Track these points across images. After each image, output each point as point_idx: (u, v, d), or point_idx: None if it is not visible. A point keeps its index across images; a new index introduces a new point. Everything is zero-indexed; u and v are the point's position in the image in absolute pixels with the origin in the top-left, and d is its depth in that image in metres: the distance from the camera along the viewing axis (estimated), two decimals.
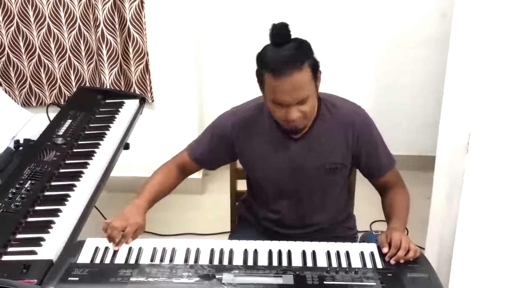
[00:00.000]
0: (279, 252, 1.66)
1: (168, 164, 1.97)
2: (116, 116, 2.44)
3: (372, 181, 1.98)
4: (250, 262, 1.62)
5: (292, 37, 1.70)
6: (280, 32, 1.68)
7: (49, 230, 1.73)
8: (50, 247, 1.66)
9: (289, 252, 1.66)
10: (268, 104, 1.75)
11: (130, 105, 2.56)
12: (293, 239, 1.75)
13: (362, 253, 1.66)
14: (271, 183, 1.92)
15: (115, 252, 1.64)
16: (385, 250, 1.64)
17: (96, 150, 2.17)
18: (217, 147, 1.93)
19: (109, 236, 1.67)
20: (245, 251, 1.66)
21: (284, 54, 1.66)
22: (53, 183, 1.96)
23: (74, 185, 1.95)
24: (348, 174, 1.97)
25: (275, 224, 1.99)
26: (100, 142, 2.23)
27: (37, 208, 1.84)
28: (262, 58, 1.71)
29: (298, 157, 1.86)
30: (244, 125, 1.88)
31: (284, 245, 1.69)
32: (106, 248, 1.66)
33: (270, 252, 1.65)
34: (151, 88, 3.25)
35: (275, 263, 1.62)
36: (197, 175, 2.09)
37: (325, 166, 1.87)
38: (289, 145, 1.86)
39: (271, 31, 1.69)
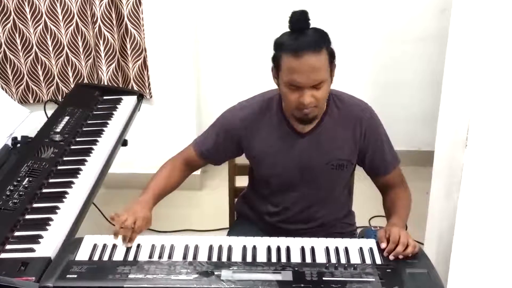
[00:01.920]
0: (278, 248, 1.65)
1: (174, 160, 1.97)
2: (114, 112, 2.43)
3: (375, 179, 1.98)
4: (249, 259, 1.61)
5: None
6: (299, 18, 1.70)
7: (47, 227, 1.73)
8: (48, 245, 1.66)
9: (288, 248, 1.65)
10: (282, 89, 1.75)
11: (128, 101, 2.55)
12: (293, 234, 1.74)
13: (361, 249, 1.66)
14: (278, 178, 1.92)
15: (113, 249, 1.64)
16: (383, 245, 1.64)
17: (94, 147, 2.17)
18: (224, 142, 1.92)
19: (122, 235, 1.67)
20: (244, 248, 1.65)
21: (304, 37, 1.68)
22: (51, 180, 1.96)
23: (72, 182, 1.94)
24: (351, 172, 1.98)
25: (277, 219, 1.98)
26: (98, 139, 2.22)
27: (35, 205, 1.83)
28: (281, 42, 1.72)
29: (305, 153, 1.86)
30: (252, 120, 1.88)
31: (283, 241, 1.68)
32: (105, 245, 1.65)
33: (269, 248, 1.65)
34: (149, 84, 3.24)
35: (274, 259, 1.61)
36: (196, 171, 2.10)
37: (332, 163, 1.87)
38: (297, 141, 1.86)
39: (290, 17, 1.71)
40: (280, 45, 1.72)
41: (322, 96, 1.72)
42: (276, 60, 1.73)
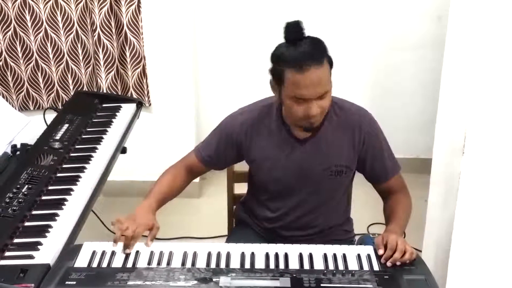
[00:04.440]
0: (276, 255, 1.66)
1: (176, 166, 1.98)
2: (113, 120, 2.44)
3: (376, 186, 1.99)
4: (247, 265, 1.62)
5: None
6: (294, 29, 1.70)
7: (46, 234, 1.73)
8: (47, 251, 1.66)
9: (286, 255, 1.66)
10: (285, 101, 1.74)
11: (127, 109, 2.56)
12: (291, 241, 1.75)
13: (359, 256, 1.66)
14: (277, 183, 1.93)
15: (112, 256, 1.65)
16: (380, 252, 1.64)
17: (93, 154, 2.17)
18: (225, 147, 1.93)
19: (121, 243, 1.68)
20: (242, 254, 1.66)
21: (304, 50, 1.68)
22: (50, 187, 1.96)
23: (71, 189, 1.95)
24: (351, 179, 1.98)
25: (276, 225, 1.99)
26: (97, 146, 2.23)
27: (34, 212, 1.83)
28: (280, 55, 1.71)
29: (304, 159, 1.87)
30: (252, 125, 1.89)
31: (281, 248, 1.69)
32: (103, 252, 1.66)
33: (267, 255, 1.66)
34: (148, 92, 3.25)
35: (272, 266, 1.62)
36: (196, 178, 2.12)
37: (331, 169, 1.88)
38: (296, 147, 1.87)
39: (285, 28, 1.71)
40: (280, 59, 1.71)
41: (327, 105, 1.74)
42: (276, 73, 1.72)
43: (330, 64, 1.73)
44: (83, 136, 2.30)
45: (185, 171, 1.97)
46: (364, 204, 2.46)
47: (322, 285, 1.51)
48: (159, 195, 1.87)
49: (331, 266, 1.62)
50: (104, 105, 2.58)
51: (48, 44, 3.14)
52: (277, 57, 1.72)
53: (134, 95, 3.21)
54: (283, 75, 1.69)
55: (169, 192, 1.91)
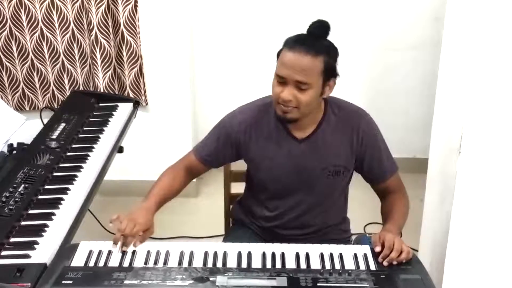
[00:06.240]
0: (273, 254, 1.66)
1: (175, 166, 1.98)
2: (110, 119, 2.44)
3: (373, 186, 1.99)
4: (244, 265, 1.62)
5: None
6: (319, 25, 1.75)
7: (43, 233, 1.73)
8: (44, 251, 1.65)
9: (282, 254, 1.66)
10: (273, 81, 1.78)
11: (124, 108, 2.56)
12: (288, 240, 1.75)
13: (355, 255, 1.66)
14: (275, 182, 1.93)
15: (109, 255, 1.64)
16: (377, 249, 1.64)
17: (90, 153, 2.17)
18: (224, 146, 1.93)
19: (116, 239, 1.68)
20: (239, 254, 1.66)
21: (311, 40, 1.73)
22: (46, 187, 1.96)
23: (68, 189, 1.95)
24: (348, 179, 1.99)
25: (273, 224, 1.99)
26: (94, 145, 2.23)
27: (30, 211, 1.83)
28: (289, 38, 1.76)
29: (302, 159, 1.87)
30: (251, 124, 1.89)
31: (277, 247, 1.69)
32: (100, 252, 1.66)
33: (263, 254, 1.66)
34: (145, 92, 3.25)
35: (268, 265, 1.62)
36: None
37: (328, 168, 1.88)
38: (293, 146, 1.87)
39: (312, 22, 1.76)
40: (286, 41, 1.76)
41: (304, 100, 1.74)
42: (278, 55, 1.77)
43: (327, 69, 1.74)
44: (80, 136, 2.30)
45: (184, 172, 1.97)
46: (361, 204, 2.46)
47: (318, 284, 1.51)
48: (159, 197, 1.86)
49: (328, 266, 1.62)
50: (101, 104, 2.57)
51: (44, 44, 3.14)
52: (285, 40, 1.77)
53: (131, 95, 3.21)
54: (280, 54, 1.75)
55: (168, 193, 1.91)
